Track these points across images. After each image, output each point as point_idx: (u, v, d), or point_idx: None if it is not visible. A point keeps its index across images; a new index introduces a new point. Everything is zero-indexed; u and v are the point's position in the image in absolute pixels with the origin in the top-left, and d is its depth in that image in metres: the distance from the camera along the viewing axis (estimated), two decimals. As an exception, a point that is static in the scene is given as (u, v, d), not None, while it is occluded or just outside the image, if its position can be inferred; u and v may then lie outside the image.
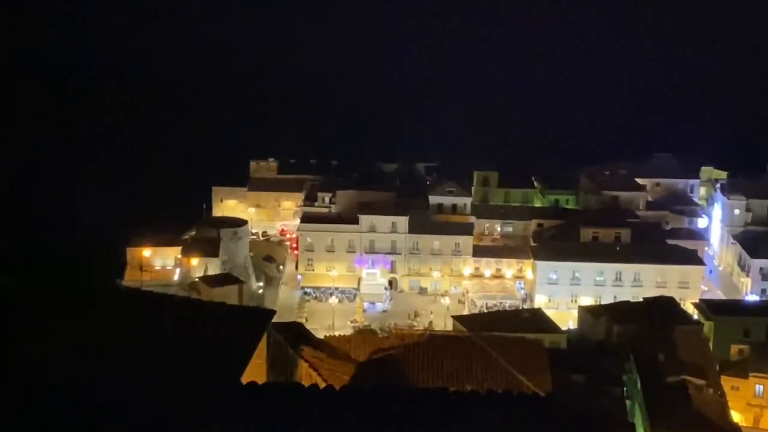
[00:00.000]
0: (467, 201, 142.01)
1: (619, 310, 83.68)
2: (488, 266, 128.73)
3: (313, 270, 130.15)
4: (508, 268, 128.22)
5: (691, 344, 69.89)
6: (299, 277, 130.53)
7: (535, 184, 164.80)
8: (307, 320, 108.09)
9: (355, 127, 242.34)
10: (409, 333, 48.41)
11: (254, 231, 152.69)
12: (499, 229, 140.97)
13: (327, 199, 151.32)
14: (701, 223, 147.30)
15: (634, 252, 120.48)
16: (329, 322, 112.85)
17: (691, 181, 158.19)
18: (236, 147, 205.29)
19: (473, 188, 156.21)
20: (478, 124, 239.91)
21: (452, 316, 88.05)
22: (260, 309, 26.78)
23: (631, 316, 78.76)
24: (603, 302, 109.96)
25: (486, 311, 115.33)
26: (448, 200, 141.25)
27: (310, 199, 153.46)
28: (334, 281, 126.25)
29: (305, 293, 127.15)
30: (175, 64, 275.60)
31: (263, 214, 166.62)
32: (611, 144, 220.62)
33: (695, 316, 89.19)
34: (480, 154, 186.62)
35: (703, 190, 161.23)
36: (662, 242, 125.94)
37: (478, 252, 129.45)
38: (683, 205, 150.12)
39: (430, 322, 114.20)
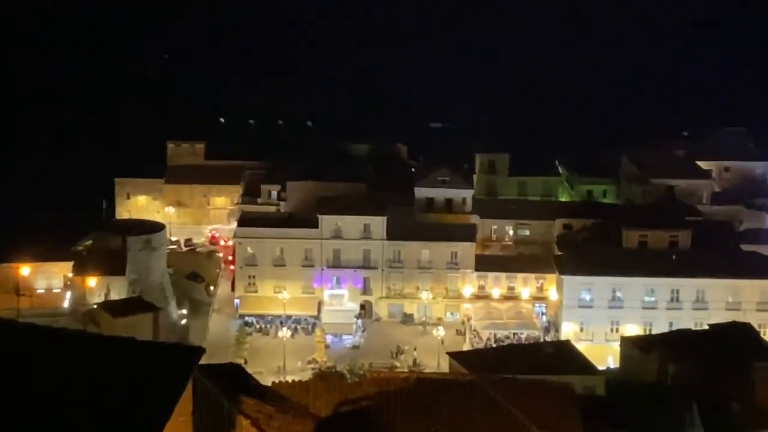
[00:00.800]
0: (467, 194, 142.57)
1: (676, 343, 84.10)
2: (497, 284, 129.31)
3: (256, 292, 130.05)
4: (525, 285, 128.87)
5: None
6: (237, 301, 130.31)
7: (560, 170, 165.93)
8: (246, 362, 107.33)
9: (312, 91, 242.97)
10: (388, 377, 48.47)
11: (174, 239, 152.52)
12: (511, 232, 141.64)
13: (274, 194, 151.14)
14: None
15: (696, 262, 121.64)
16: (279, 362, 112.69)
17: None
18: (148, 124, 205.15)
19: (476, 177, 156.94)
20: (482, 89, 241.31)
21: (448, 353, 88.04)
22: (183, 346, 26.75)
23: (692, 351, 79.16)
24: (654, 331, 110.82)
25: (494, 345, 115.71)
26: (441, 193, 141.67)
27: (250, 195, 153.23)
28: (286, 307, 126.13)
29: (245, 324, 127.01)
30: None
31: (186, 215, 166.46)
32: (663, 116, 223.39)
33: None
34: (485, 130, 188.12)
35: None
36: (734, 248, 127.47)
37: (483, 264, 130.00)
38: (762, 197, 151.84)
39: (414, 360, 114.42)
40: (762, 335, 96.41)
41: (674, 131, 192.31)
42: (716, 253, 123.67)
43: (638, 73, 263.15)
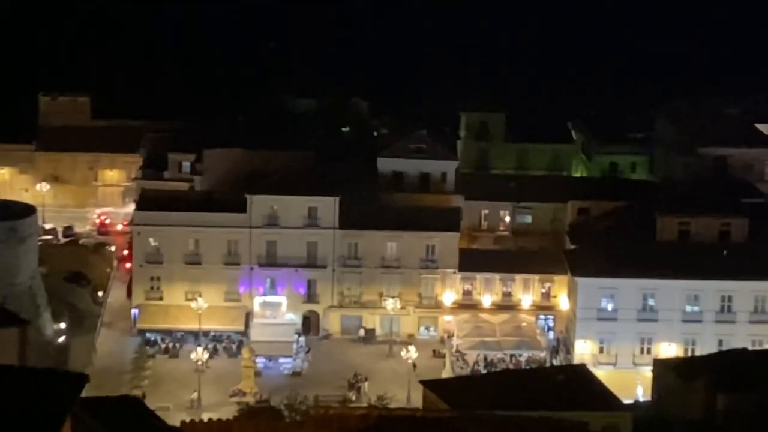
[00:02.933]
0: (450, 168, 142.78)
1: (727, 368, 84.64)
2: (488, 288, 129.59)
3: (161, 299, 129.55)
4: (525, 291, 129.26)
5: None
6: (135, 312, 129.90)
7: (574, 135, 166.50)
8: (145, 396, 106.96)
9: (239, 25, 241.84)
10: (341, 414, 48.47)
11: (49, 226, 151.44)
12: (508, 219, 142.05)
13: (186, 166, 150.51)
14: None
15: (754, 259, 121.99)
16: (192, 395, 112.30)
17: None
18: (11, 70, 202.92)
19: (461, 144, 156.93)
20: (471, 25, 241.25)
21: (422, 382, 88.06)
22: (60, 373, 26.65)
23: (749, 378, 79.67)
24: (698, 352, 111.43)
25: (484, 371, 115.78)
26: (414, 166, 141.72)
27: (153, 166, 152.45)
28: (201, 319, 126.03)
29: (146, 342, 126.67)
30: None
31: (66, 193, 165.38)
32: (711, 67, 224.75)
33: None
34: (474, 83, 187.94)
35: None
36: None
37: (470, 262, 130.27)
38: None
39: (381, 396, 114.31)
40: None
41: (725, 85, 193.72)
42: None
43: (674, 13, 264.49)
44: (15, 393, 23.82)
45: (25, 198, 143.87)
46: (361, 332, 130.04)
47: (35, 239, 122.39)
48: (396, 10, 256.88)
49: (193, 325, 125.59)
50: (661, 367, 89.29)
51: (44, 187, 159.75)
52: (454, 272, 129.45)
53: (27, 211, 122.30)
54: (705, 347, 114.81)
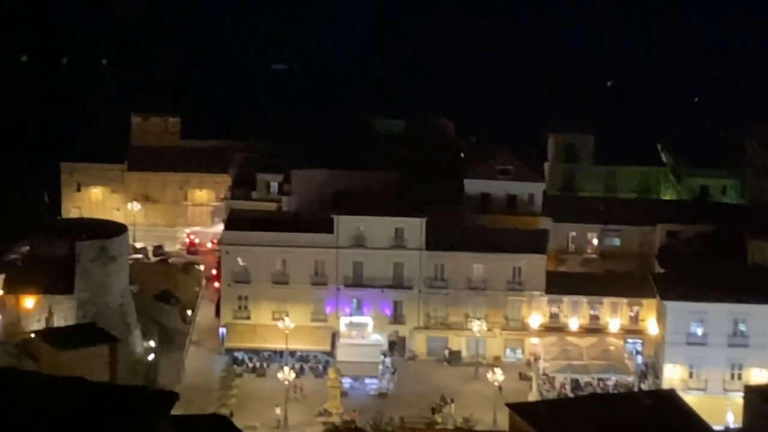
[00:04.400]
0: (537, 189, 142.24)
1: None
2: (575, 311, 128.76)
3: (249, 318, 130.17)
4: (613, 314, 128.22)
5: None
6: (222, 331, 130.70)
7: (664, 157, 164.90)
8: (232, 414, 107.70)
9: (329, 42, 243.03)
10: (428, 436, 48.33)
11: (139, 245, 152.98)
12: (596, 241, 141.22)
13: (274, 187, 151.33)
14: None
15: None
16: (278, 414, 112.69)
17: None
18: (105, 91, 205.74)
19: (548, 165, 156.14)
20: (548, 44, 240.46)
21: (508, 405, 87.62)
22: (150, 391, 26.82)
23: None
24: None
25: (571, 395, 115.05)
26: (500, 188, 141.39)
27: (241, 186, 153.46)
28: (288, 339, 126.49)
29: (234, 361, 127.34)
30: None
31: (157, 212, 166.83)
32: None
33: None
34: (561, 105, 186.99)
35: None
36: None
37: (557, 285, 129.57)
38: None
39: (467, 419, 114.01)
40: None
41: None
42: None
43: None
44: (106, 410, 23.95)
45: (117, 217, 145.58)
46: (447, 354, 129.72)
47: (126, 258, 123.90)
48: (483, 31, 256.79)
49: (280, 345, 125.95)
50: (753, 393, 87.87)
51: (135, 206, 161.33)
52: (541, 295, 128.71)
53: (118, 230, 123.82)
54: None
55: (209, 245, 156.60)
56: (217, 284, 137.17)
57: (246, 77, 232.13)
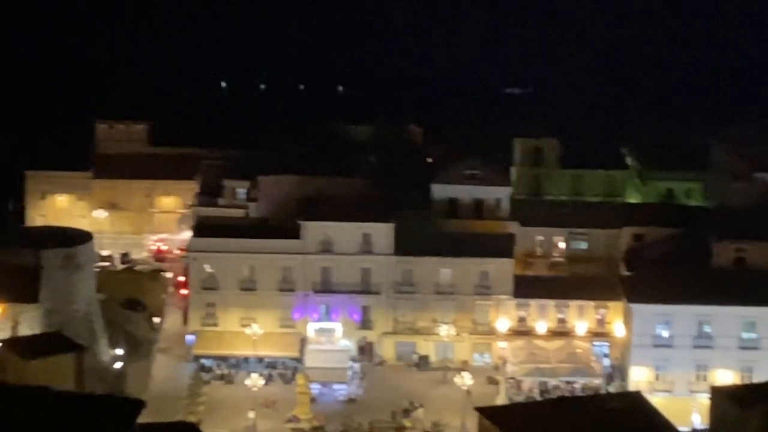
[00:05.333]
0: (503, 194, 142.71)
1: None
2: (542, 315, 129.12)
3: (217, 325, 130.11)
4: (580, 317, 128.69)
5: None
6: (190, 338, 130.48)
7: (629, 161, 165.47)
8: (200, 422, 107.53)
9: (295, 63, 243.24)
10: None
11: (106, 253, 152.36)
12: (562, 245, 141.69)
13: (242, 193, 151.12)
14: None
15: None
16: (247, 421, 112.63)
17: None
18: (70, 98, 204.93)
19: (514, 170, 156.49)
20: (522, 51, 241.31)
21: (476, 408, 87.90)
22: (117, 399, 26.89)
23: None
24: (756, 379, 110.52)
25: (539, 398, 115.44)
26: (468, 192, 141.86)
27: (209, 193, 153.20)
28: (256, 346, 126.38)
29: (202, 368, 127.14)
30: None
31: (123, 220, 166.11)
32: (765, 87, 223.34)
33: None
34: (527, 107, 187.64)
35: None
36: None
37: (525, 288, 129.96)
38: None
39: (436, 423, 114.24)
40: None
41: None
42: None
43: (734, 31, 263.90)
44: (73, 419, 24.07)
45: (83, 225, 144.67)
46: (415, 358, 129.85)
47: (92, 266, 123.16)
48: (449, 39, 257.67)
49: (249, 351, 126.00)
50: (718, 394, 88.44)
51: (101, 214, 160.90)
52: (509, 298, 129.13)
53: (84, 237, 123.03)
54: (762, 374, 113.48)
55: (176, 252, 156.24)
56: (184, 291, 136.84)
57: (214, 82, 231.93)
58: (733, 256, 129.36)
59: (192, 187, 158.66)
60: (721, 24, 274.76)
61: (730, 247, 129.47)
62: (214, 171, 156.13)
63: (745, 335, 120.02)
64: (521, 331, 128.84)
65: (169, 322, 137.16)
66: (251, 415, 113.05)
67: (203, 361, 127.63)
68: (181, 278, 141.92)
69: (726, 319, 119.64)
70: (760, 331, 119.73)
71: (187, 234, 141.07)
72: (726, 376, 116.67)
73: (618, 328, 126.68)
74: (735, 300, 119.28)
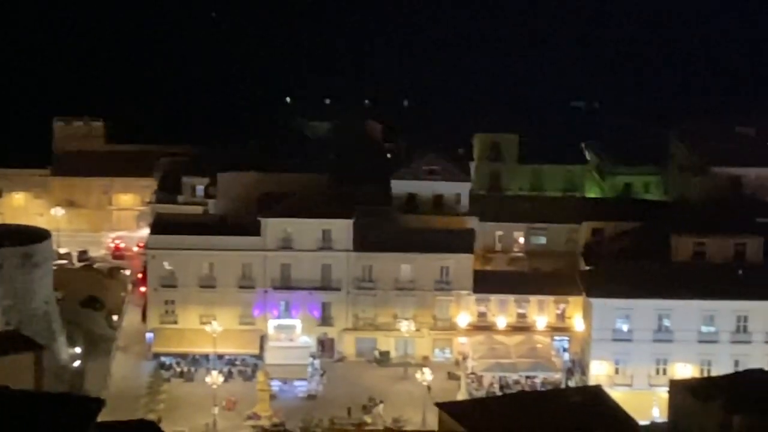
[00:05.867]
0: (463, 189, 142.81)
1: (743, 388, 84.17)
2: (502, 310, 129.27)
3: (176, 323, 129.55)
4: (540, 312, 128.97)
5: None
6: (149, 335, 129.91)
7: (588, 156, 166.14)
8: (160, 420, 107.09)
9: (253, 54, 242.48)
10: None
11: (64, 251, 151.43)
12: (522, 240, 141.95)
13: (200, 190, 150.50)
14: None
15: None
16: (207, 419, 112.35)
17: None
18: (26, 96, 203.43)
19: (474, 165, 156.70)
20: (480, 49, 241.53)
21: (437, 404, 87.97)
22: (76, 397, 26.72)
23: (765, 399, 79.19)
24: (714, 373, 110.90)
25: (500, 393, 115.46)
26: (427, 188, 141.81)
27: (167, 190, 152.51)
28: (216, 343, 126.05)
29: (161, 366, 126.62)
30: None
31: (81, 218, 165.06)
32: (724, 86, 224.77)
33: None
34: (485, 104, 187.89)
35: None
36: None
37: (485, 284, 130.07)
38: None
39: (397, 419, 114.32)
40: None
41: (739, 104, 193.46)
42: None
43: (692, 30, 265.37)
44: (31, 417, 23.86)
45: (40, 223, 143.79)
46: (376, 354, 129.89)
47: (50, 264, 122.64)
48: (409, 33, 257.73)
49: (208, 349, 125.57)
50: (677, 388, 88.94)
51: (59, 211, 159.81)
52: (469, 294, 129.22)
53: (41, 235, 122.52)
54: (721, 368, 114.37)
55: (135, 250, 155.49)
56: (143, 289, 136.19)
57: (172, 78, 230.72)
58: (692, 250, 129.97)
59: (150, 184, 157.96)
60: (675, 16, 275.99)
61: (689, 242, 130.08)
62: (172, 168, 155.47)
63: (704, 329, 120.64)
64: (481, 327, 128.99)
65: (127, 319, 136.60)
66: (215, 411, 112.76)
67: (163, 358, 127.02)
68: (140, 276, 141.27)
69: (685, 312, 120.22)
70: (718, 325, 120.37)
71: (146, 231, 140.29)
72: (685, 370, 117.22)
73: (578, 323, 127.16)
74: (694, 294, 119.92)
